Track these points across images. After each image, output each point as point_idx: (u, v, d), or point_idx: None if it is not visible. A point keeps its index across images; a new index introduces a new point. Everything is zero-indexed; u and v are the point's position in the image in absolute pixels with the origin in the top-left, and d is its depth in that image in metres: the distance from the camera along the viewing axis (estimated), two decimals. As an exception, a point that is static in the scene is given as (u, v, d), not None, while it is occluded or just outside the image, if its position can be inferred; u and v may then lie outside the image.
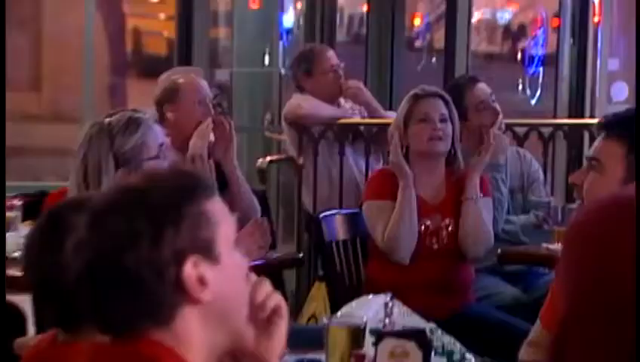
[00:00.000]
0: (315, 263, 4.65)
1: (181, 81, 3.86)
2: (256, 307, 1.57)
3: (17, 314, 3.28)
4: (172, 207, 1.50)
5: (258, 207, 3.75)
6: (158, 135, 2.93)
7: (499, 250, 3.87)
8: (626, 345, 0.94)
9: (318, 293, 4.06)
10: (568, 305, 1.01)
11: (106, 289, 1.50)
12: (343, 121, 4.94)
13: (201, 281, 1.49)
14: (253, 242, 3.31)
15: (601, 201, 1.04)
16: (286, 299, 4.74)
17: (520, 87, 8.58)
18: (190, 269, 1.48)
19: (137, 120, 2.89)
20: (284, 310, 1.61)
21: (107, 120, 2.89)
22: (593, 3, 6.39)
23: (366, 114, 5.04)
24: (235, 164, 3.70)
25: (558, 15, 6.69)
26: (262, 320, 1.58)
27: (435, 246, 3.66)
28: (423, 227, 3.65)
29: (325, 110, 4.89)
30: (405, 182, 3.58)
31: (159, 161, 2.88)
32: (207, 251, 1.50)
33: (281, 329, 1.60)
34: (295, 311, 4.36)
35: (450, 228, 3.67)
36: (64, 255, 1.83)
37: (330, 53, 5.01)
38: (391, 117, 4.21)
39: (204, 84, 3.96)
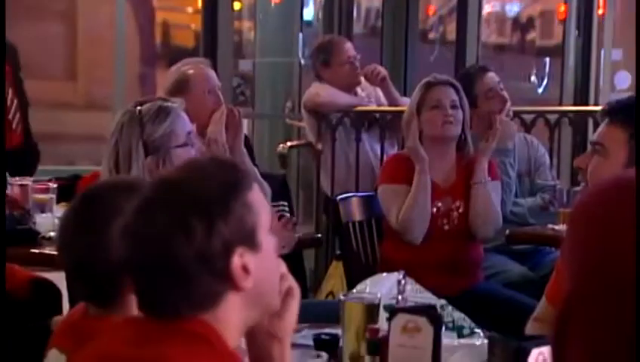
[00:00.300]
0: (333, 243, 4.65)
1: (191, 72, 3.85)
2: None
3: (54, 291, 3.28)
4: (221, 201, 1.49)
5: (268, 190, 3.74)
6: (186, 123, 2.91)
7: (507, 231, 3.86)
8: (626, 326, 0.92)
9: (336, 271, 4.06)
10: (572, 284, 1.00)
11: (155, 277, 1.49)
12: (359, 108, 4.93)
13: (245, 270, 1.50)
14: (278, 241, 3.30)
15: (603, 184, 1.02)
16: (305, 277, 4.79)
17: (528, 76, 8.53)
18: (237, 260, 1.49)
19: (167, 108, 2.87)
20: (297, 291, 1.62)
21: (138, 108, 2.86)
22: (598, -4, 6.35)
23: (381, 102, 5.02)
24: (243, 150, 3.68)
25: (564, 8, 6.65)
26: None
27: (446, 227, 3.65)
28: (434, 209, 3.63)
29: (342, 98, 4.87)
30: (421, 166, 3.57)
31: (187, 149, 2.86)
32: (251, 240, 1.51)
33: (293, 309, 1.61)
34: (314, 288, 4.37)
35: (460, 210, 3.65)
36: (101, 236, 1.83)
37: (348, 44, 4.99)
38: (406, 103, 4.19)
39: (213, 73, 3.96)
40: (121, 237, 1.53)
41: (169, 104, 2.91)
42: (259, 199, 1.55)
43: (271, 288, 1.57)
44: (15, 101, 4.68)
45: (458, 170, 3.70)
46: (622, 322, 0.92)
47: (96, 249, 1.84)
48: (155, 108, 2.86)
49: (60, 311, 2.90)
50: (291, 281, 1.61)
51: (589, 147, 2.51)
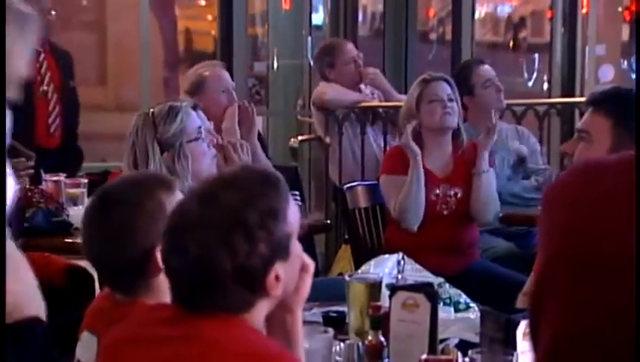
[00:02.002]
0: (342, 228, 4.65)
1: (206, 73, 3.90)
2: None
3: (87, 276, 3.30)
4: (264, 225, 1.47)
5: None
6: (195, 119, 2.91)
7: (501, 213, 3.86)
8: (588, 297, 0.92)
9: (345, 254, 4.07)
10: (543, 259, 1.00)
11: (193, 283, 1.48)
12: (363, 104, 4.92)
13: (277, 279, 1.49)
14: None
15: (572, 168, 1.03)
16: (316, 259, 4.79)
17: (518, 71, 8.51)
18: (272, 274, 1.49)
19: (176, 108, 2.88)
20: (312, 267, 1.61)
21: (151, 110, 2.88)
22: (581, -4, 6.32)
23: (383, 98, 5.02)
24: (256, 143, 3.68)
25: (551, 7, 6.62)
26: None
27: (445, 212, 3.64)
28: (433, 196, 3.63)
29: (347, 95, 4.86)
30: (414, 161, 3.57)
31: (199, 142, 2.87)
32: (286, 253, 1.50)
33: (307, 283, 1.60)
34: (324, 270, 4.36)
35: (458, 196, 3.65)
36: (118, 232, 1.82)
37: (350, 45, 4.98)
38: (404, 99, 4.19)
39: (227, 74, 4.01)
40: (164, 238, 1.51)
41: (177, 103, 2.92)
42: (294, 210, 1.54)
43: (293, 285, 1.57)
44: (58, 107, 4.73)
45: (454, 159, 3.70)
46: (583, 294, 0.93)
47: (114, 245, 1.83)
48: (165, 109, 2.87)
49: (93, 295, 2.91)
50: (306, 258, 1.59)
51: (575, 134, 2.50)
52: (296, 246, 1.54)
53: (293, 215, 1.52)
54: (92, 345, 1.82)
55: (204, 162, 2.85)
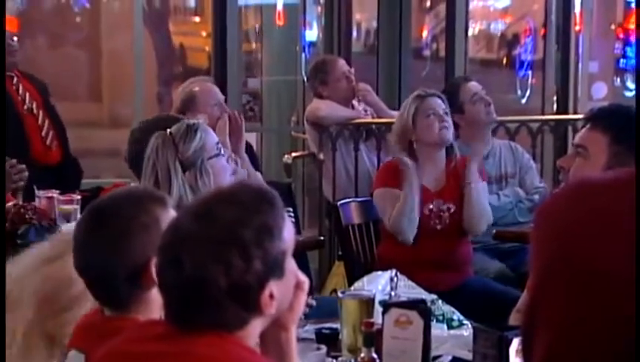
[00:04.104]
0: (335, 245, 4.64)
1: (196, 89, 3.90)
2: None
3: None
4: (260, 243, 1.46)
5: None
6: (213, 135, 2.89)
7: (494, 230, 3.86)
8: (582, 314, 0.92)
9: (338, 271, 4.06)
10: (536, 276, 1.00)
11: (187, 299, 1.47)
12: (356, 120, 4.93)
13: (271, 297, 1.48)
14: None
15: (566, 186, 1.03)
16: (310, 276, 4.78)
17: (512, 88, 8.53)
18: (267, 291, 1.47)
19: (194, 126, 2.86)
20: (306, 285, 1.60)
21: (169, 131, 2.84)
22: (574, 14, 6.35)
23: (375, 114, 5.03)
24: (244, 155, 3.67)
25: (544, 25, 6.65)
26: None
27: (438, 227, 3.65)
28: (427, 211, 3.64)
29: (341, 112, 4.87)
30: (407, 175, 3.57)
31: (219, 158, 2.84)
32: (280, 270, 1.49)
33: (301, 301, 1.59)
34: (318, 286, 4.35)
35: (451, 211, 3.65)
36: (110, 249, 1.80)
37: (341, 61, 5.00)
38: (395, 115, 4.19)
39: (216, 88, 4.02)
40: (159, 253, 1.50)
41: (195, 121, 2.91)
42: (289, 228, 1.52)
43: (287, 304, 1.55)
44: (47, 121, 4.74)
45: (447, 174, 3.71)
46: (581, 308, 0.93)
47: (109, 257, 1.81)
48: (184, 128, 2.84)
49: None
50: (301, 276, 1.58)
51: (570, 149, 2.51)
52: (290, 264, 1.53)
53: (288, 232, 1.51)
54: None
55: (226, 177, 2.82)
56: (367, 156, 4.94)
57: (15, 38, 4.85)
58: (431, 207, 3.65)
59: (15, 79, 4.73)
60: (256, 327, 1.50)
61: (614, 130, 2.33)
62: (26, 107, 4.70)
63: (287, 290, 1.53)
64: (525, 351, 1.01)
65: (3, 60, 4.62)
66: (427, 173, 3.66)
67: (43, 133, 4.73)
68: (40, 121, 4.73)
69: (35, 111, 4.71)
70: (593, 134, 2.37)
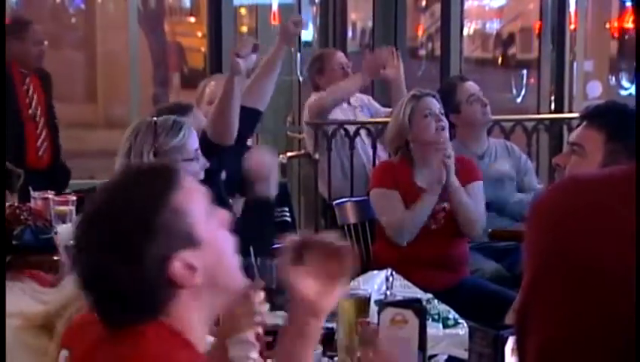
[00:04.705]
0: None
1: (213, 83, 3.97)
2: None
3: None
4: (145, 225, 1.38)
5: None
6: (195, 140, 2.86)
7: (489, 229, 3.86)
8: (578, 310, 0.92)
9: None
10: (530, 274, 1.00)
11: (95, 293, 1.42)
12: (352, 120, 4.91)
13: (190, 268, 1.40)
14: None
15: (559, 182, 1.02)
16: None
17: (507, 87, 8.55)
18: (176, 266, 1.39)
19: (180, 123, 2.84)
20: (348, 278, 1.57)
21: (154, 119, 2.83)
22: (569, 13, 6.35)
23: (372, 110, 5.00)
24: None
25: (539, 24, 6.65)
26: (331, 275, 1.53)
27: (434, 227, 3.64)
28: None
29: (340, 88, 4.69)
30: (428, 201, 3.55)
31: (192, 163, 2.81)
32: (189, 240, 1.41)
33: (339, 292, 1.56)
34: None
35: (446, 211, 3.64)
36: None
37: (339, 53, 4.99)
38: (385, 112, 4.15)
39: None
40: (72, 257, 1.48)
41: (182, 120, 2.89)
42: (188, 195, 1.43)
43: (225, 269, 1.47)
44: (45, 131, 4.80)
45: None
46: (576, 305, 0.92)
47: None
48: (170, 122, 2.83)
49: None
50: (346, 269, 1.54)
51: (565, 147, 2.51)
52: (210, 227, 1.43)
53: (187, 201, 1.42)
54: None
55: None
56: (363, 150, 4.90)
57: (46, 43, 5.05)
58: None
59: (28, 79, 4.80)
60: (188, 302, 1.41)
61: (610, 127, 2.33)
62: (30, 112, 4.77)
63: (217, 255, 1.44)
64: (519, 347, 1.01)
65: (3, 60, 4.65)
66: (423, 173, 3.66)
67: (38, 143, 4.81)
68: (39, 130, 4.81)
69: (37, 118, 4.79)
70: (589, 132, 2.37)
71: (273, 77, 3.53)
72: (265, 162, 3.11)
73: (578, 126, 2.46)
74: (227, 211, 1.51)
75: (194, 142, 2.85)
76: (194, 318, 1.43)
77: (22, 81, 4.86)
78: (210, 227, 1.44)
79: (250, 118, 3.39)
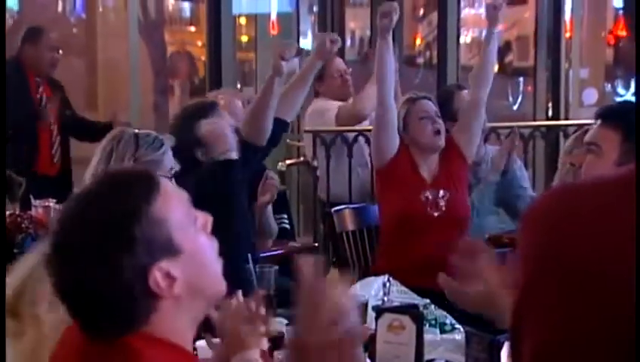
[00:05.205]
0: (330, 251, 4.64)
1: (221, 103, 3.92)
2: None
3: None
4: (123, 238, 1.34)
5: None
6: (171, 159, 2.87)
7: (486, 235, 3.86)
8: (574, 313, 0.93)
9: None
10: (523, 275, 1.00)
11: (73, 305, 1.38)
12: (350, 128, 4.92)
13: (169, 277, 1.37)
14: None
15: (552, 189, 1.03)
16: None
17: (504, 94, 8.55)
18: (156, 276, 1.36)
19: (161, 140, 2.87)
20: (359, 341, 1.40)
21: (136, 131, 2.87)
22: (565, 21, 6.37)
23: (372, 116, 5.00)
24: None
25: (535, 32, 6.66)
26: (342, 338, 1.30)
27: (435, 214, 3.61)
28: (423, 198, 3.61)
29: (369, 99, 4.55)
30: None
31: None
32: (168, 250, 1.37)
33: (357, 354, 1.36)
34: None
35: (446, 198, 3.62)
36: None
37: (338, 60, 4.99)
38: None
39: (239, 103, 4.05)
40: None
41: (164, 137, 2.92)
42: (167, 202, 1.38)
43: (206, 277, 1.42)
44: (58, 138, 4.85)
45: (439, 163, 3.71)
46: (573, 308, 0.93)
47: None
48: (151, 136, 2.87)
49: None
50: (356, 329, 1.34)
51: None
52: (189, 235, 1.39)
53: (165, 209, 1.37)
54: None
55: None
56: (361, 161, 4.91)
57: (60, 51, 5.08)
58: (427, 194, 3.62)
59: (40, 88, 4.85)
60: (169, 312, 1.38)
61: (627, 127, 2.32)
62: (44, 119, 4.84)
63: (197, 263, 1.40)
64: (514, 351, 1.01)
65: (3, 59, 4.69)
66: (423, 166, 3.68)
67: (53, 151, 4.86)
68: (53, 138, 4.86)
69: (51, 126, 4.84)
70: (605, 131, 2.35)
71: (305, 90, 3.63)
72: (217, 124, 3.14)
73: (592, 125, 2.44)
74: (208, 214, 1.46)
75: (170, 162, 2.86)
76: (177, 325, 1.40)
77: (36, 89, 4.92)
78: (189, 235, 1.40)
79: (278, 127, 3.45)
